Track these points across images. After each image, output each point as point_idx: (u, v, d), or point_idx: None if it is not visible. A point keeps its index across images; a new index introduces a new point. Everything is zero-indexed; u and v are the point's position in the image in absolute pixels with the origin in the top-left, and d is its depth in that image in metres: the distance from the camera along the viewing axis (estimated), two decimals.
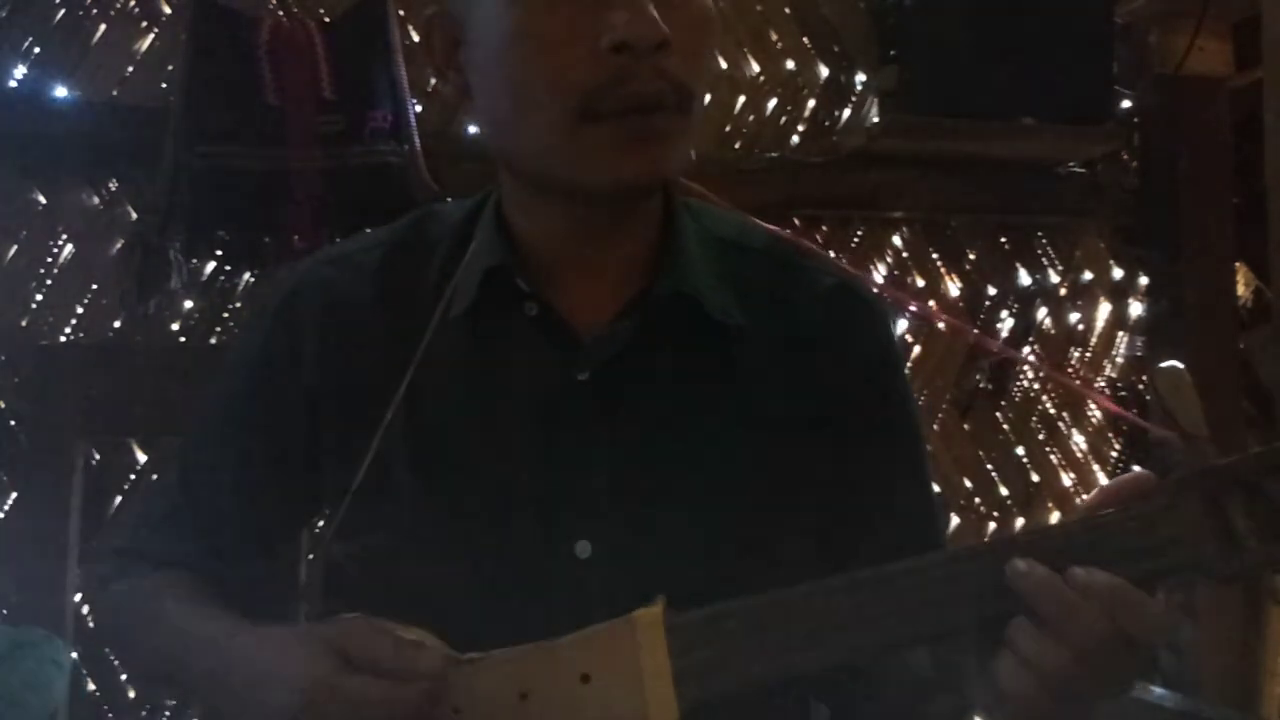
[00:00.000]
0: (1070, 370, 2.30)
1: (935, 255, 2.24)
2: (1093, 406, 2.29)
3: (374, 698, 0.71)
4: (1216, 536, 0.67)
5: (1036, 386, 2.28)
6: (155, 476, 1.83)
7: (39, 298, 1.83)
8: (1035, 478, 2.26)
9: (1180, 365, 0.70)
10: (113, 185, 1.86)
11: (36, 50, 1.83)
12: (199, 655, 0.84)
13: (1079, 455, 2.29)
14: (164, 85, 1.86)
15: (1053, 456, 2.28)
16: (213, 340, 1.88)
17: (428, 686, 0.71)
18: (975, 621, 0.69)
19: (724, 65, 2.12)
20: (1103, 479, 2.28)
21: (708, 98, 2.05)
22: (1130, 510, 0.69)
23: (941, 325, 2.19)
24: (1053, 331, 2.30)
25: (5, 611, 1.69)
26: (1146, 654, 0.67)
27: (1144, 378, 2.29)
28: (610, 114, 0.77)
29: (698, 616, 0.71)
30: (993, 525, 2.23)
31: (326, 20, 1.85)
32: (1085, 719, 0.69)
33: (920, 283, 2.22)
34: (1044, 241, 2.31)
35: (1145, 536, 0.68)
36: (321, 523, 1.01)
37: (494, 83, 0.82)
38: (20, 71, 1.82)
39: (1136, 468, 2.25)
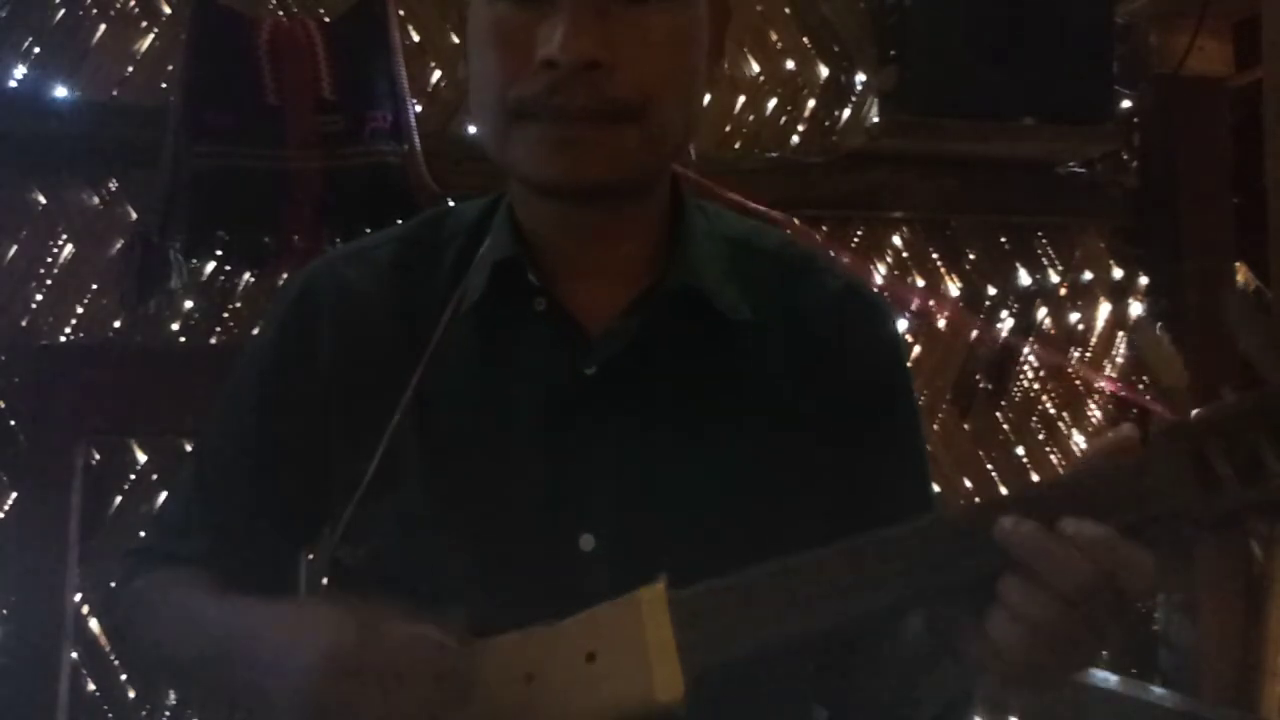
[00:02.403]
0: (1070, 370, 2.30)
1: (935, 255, 2.24)
2: (1093, 406, 2.29)
3: (408, 657, 0.71)
4: (1199, 483, 0.68)
5: (1036, 387, 2.28)
6: (155, 476, 1.83)
7: (39, 298, 1.83)
8: (1035, 478, 2.26)
9: (1156, 320, 0.72)
10: (113, 185, 1.86)
11: (36, 50, 1.83)
12: (222, 629, 0.84)
13: (1079, 455, 2.28)
14: (164, 85, 1.86)
15: (1053, 456, 2.28)
16: (213, 340, 1.88)
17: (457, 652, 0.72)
18: (971, 580, 0.70)
19: (724, 65, 2.12)
20: None
21: (707, 98, 2.08)
22: (1115, 463, 0.70)
23: (942, 324, 2.19)
24: (1053, 331, 2.30)
25: (5, 611, 1.69)
26: (1135, 605, 0.68)
27: (1144, 378, 2.29)
28: (539, 118, 0.81)
29: (699, 590, 0.72)
30: None
31: (326, 20, 1.85)
32: (1078, 672, 0.70)
33: (920, 283, 2.22)
34: (1044, 241, 2.31)
35: (1130, 486, 0.69)
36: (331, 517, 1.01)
37: (470, 80, 0.86)
38: (20, 71, 1.82)
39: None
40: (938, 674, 0.83)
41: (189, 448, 1.04)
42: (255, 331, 1.03)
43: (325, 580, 0.92)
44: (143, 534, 1.04)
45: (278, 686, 0.74)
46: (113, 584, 1.01)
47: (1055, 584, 0.66)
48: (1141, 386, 2.28)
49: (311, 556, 1.28)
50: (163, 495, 1.76)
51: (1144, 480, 0.69)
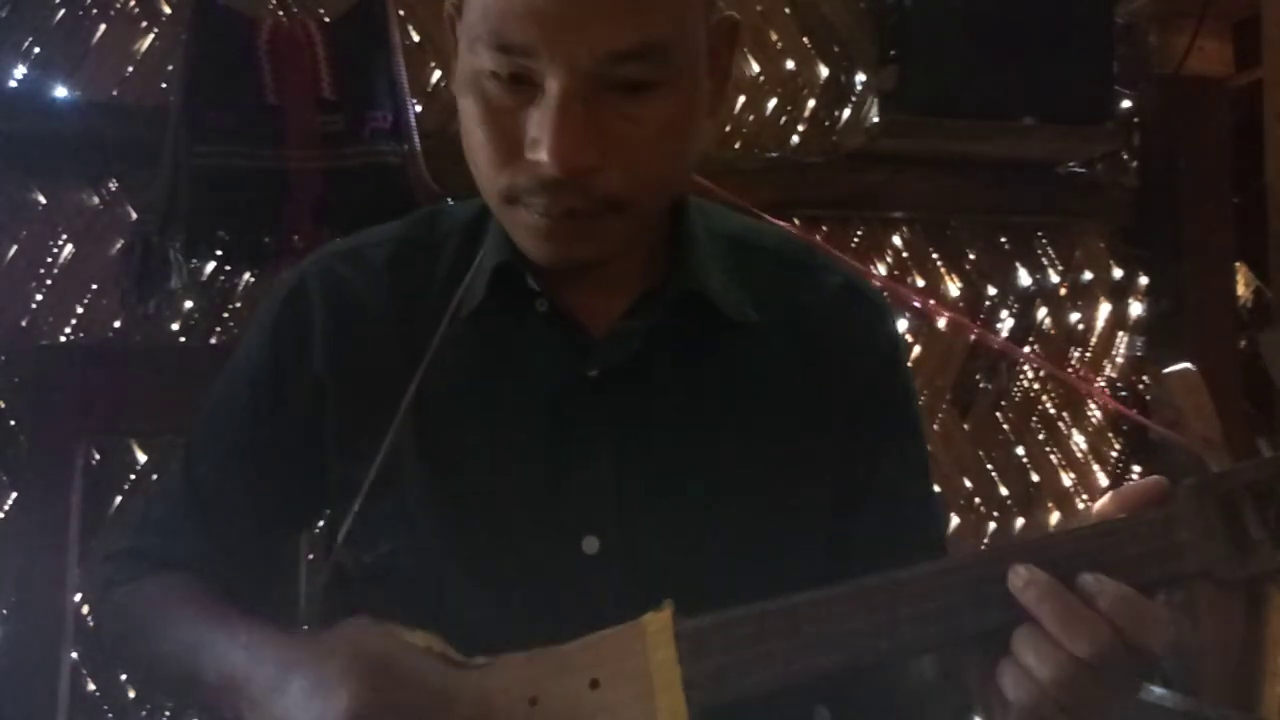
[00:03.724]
0: (1070, 370, 2.30)
1: (935, 255, 2.24)
2: (1093, 406, 2.29)
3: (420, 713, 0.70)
4: (1229, 542, 0.66)
5: (1036, 386, 2.28)
6: (155, 476, 1.83)
7: (39, 298, 1.82)
8: (1035, 478, 2.26)
9: (1193, 368, 0.69)
10: (113, 185, 1.86)
11: (36, 50, 1.83)
12: (219, 658, 0.83)
13: (1079, 455, 2.29)
14: (164, 85, 1.85)
15: (1053, 456, 2.28)
16: (213, 340, 1.88)
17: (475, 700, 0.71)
18: (986, 628, 0.68)
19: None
20: (1103, 479, 2.28)
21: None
22: (1143, 515, 0.68)
23: (942, 324, 2.19)
24: (1053, 331, 2.30)
25: (5, 611, 1.69)
26: (1151, 661, 0.66)
27: (1144, 378, 2.29)
28: (529, 207, 0.79)
29: (706, 622, 0.71)
30: (993, 525, 2.23)
31: (326, 20, 1.85)
32: None
33: (920, 283, 2.22)
34: (1044, 241, 2.31)
35: (1157, 541, 0.67)
36: (324, 521, 1.00)
37: (462, 124, 0.83)
38: (20, 71, 1.82)
39: (1136, 468, 2.27)
40: (944, 701, 0.83)
41: None
42: (248, 328, 1.01)
43: (328, 585, 0.91)
44: (130, 535, 1.01)
45: (282, 715, 0.74)
46: (101, 584, 1.00)
47: (1071, 645, 0.64)
48: (1141, 387, 2.29)
49: (312, 556, 1.28)
50: None
51: (1172, 536, 0.67)
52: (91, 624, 1.63)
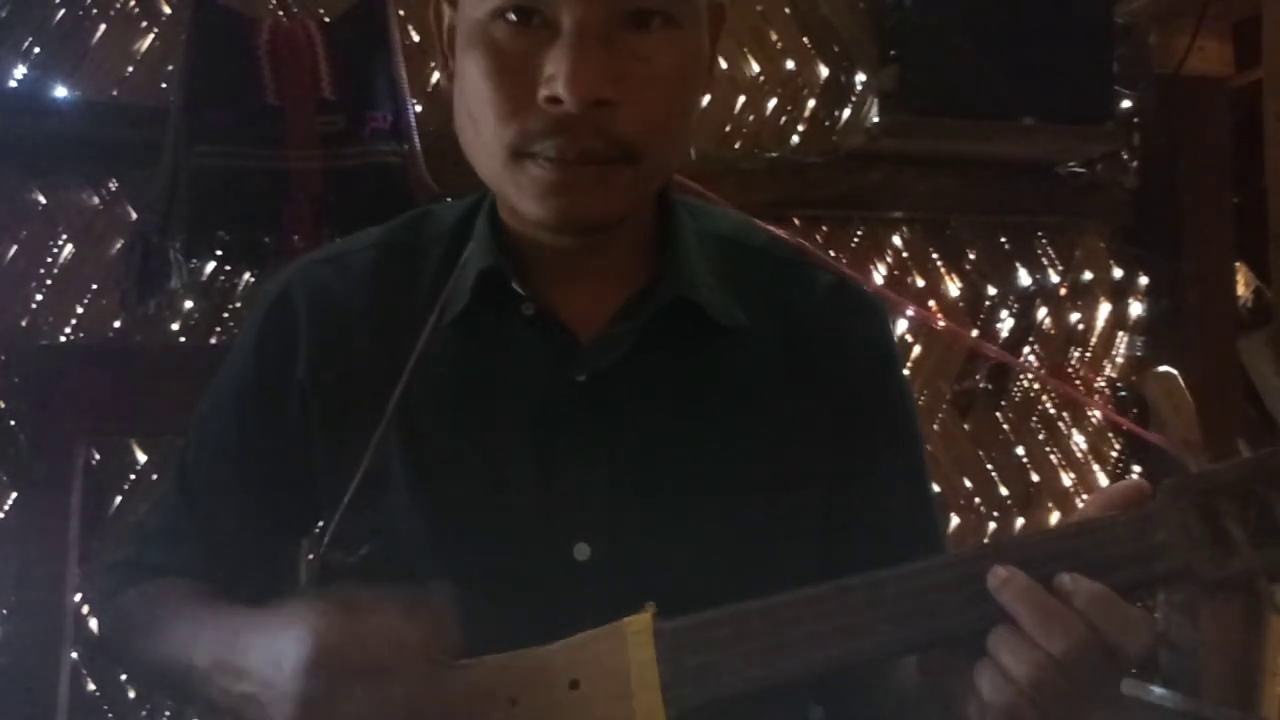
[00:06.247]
0: (1070, 370, 2.30)
1: (935, 255, 2.24)
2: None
3: (386, 629, 0.70)
4: (1209, 542, 0.66)
5: (1036, 386, 2.28)
6: (155, 477, 1.83)
7: (39, 298, 1.82)
8: (1035, 478, 2.26)
9: (1173, 371, 0.69)
10: (113, 185, 1.86)
11: (36, 50, 1.83)
12: (208, 642, 0.83)
13: (1079, 455, 2.29)
14: (164, 85, 1.86)
15: (1053, 456, 2.28)
16: (213, 340, 1.88)
17: (437, 618, 0.72)
18: (965, 628, 0.68)
19: (724, 65, 2.12)
20: (1103, 479, 2.28)
21: (706, 98, 2.07)
22: (1122, 516, 0.68)
23: (940, 326, 2.19)
24: (1053, 331, 2.30)
25: (5, 612, 1.69)
26: (1128, 664, 0.66)
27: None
28: (540, 157, 0.78)
29: (687, 623, 0.71)
30: (993, 525, 2.23)
31: (326, 20, 1.85)
32: None
33: (920, 283, 2.22)
34: (1044, 241, 2.31)
35: (1137, 542, 0.67)
36: (319, 525, 1.01)
37: (459, 99, 0.83)
38: (20, 71, 1.82)
39: (1136, 468, 2.26)
40: (930, 702, 0.83)
41: None
42: (235, 338, 1.01)
43: (319, 584, 0.91)
44: (124, 544, 1.02)
45: (271, 708, 0.74)
46: (101, 595, 1.01)
47: (1047, 644, 0.64)
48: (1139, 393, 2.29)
49: (312, 556, 1.28)
50: None
51: (1151, 537, 0.67)
52: (96, 634, 1.62)
